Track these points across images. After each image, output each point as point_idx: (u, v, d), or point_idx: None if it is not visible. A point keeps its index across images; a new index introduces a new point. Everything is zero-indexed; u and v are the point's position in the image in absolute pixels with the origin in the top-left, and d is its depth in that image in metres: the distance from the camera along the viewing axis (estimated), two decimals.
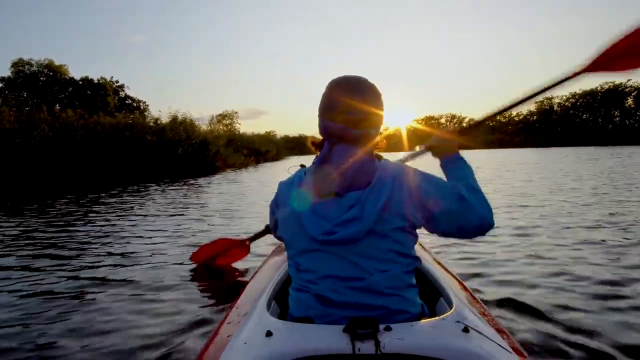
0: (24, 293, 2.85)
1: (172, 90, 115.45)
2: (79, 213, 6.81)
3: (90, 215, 6.57)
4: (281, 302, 1.35)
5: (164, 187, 11.61)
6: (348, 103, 1.09)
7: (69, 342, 2.07)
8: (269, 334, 0.95)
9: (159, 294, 2.74)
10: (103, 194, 9.80)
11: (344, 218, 1.06)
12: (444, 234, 1.16)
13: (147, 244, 4.35)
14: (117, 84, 45.69)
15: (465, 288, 1.46)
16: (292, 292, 1.17)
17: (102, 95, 41.57)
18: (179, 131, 17.92)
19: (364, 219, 1.04)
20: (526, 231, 4.46)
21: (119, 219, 6.05)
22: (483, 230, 1.15)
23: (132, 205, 7.75)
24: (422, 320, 1.02)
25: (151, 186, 11.83)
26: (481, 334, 0.95)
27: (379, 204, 1.05)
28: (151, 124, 18.08)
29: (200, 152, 19.07)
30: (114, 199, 8.80)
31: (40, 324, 2.31)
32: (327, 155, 1.12)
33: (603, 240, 3.96)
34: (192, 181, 13.59)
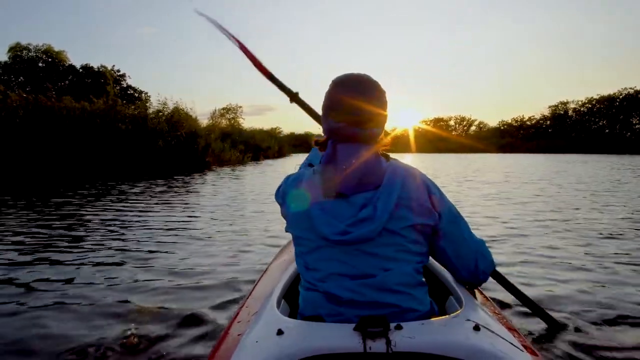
0: None
1: (179, 84, 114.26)
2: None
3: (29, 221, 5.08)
4: (291, 301, 1.34)
5: (119, 187, 10.10)
6: (350, 102, 1.09)
7: (71, 340, 2.01)
8: (280, 332, 0.95)
9: (168, 295, 2.64)
10: (47, 196, 8.36)
11: (358, 218, 1.05)
12: (443, 255, 1.21)
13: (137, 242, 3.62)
14: (118, 73, 44.62)
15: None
16: (301, 290, 1.15)
17: (101, 84, 40.38)
18: (160, 120, 16.14)
19: (377, 219, 1.03)
20: (537, 231, 4.50)
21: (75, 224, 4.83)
22: (478, 276, 1.25)
23: (97, 204, 6.27)
24: (433, 319, 1.02)
25: (109, 186, 10.36)
26: (492, 332, 0.95)
27: (391, 204, 1.05)
28: (129, 111, 16.24)
29: (187, 146, 17.47)
30: (55, 201, 7.35)
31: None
32: (332, 154, 1.12)
33: (618, 241, 3.98)
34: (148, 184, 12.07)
